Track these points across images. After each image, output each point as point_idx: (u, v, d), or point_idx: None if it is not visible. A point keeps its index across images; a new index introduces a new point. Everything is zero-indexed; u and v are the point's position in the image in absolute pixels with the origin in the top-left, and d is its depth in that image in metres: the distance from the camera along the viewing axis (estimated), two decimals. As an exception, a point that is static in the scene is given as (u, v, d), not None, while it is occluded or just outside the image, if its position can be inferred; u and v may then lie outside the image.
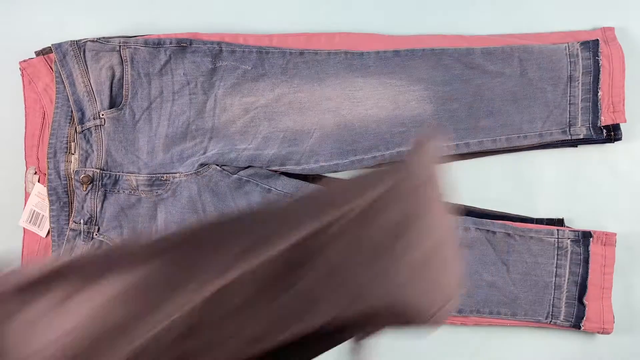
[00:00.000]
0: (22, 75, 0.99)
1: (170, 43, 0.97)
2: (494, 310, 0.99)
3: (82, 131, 0.97)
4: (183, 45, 0.97)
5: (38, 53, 0.99)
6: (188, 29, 1.01)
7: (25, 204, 1.01)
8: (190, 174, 0.96)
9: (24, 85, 1.00)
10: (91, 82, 0.96)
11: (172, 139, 0.98)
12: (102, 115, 0.97)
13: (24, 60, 0.98)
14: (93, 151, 0.97)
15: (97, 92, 0.97)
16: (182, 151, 0.98)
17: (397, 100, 0.99)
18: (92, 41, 0.96)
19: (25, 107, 1.00)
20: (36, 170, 0.99)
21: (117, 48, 0.97)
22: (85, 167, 0.97)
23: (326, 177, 1.04)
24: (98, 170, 0.97)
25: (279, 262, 0.47)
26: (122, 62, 0.97)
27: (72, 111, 0.97)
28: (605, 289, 0.99)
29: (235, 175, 0.97)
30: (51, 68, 0.97)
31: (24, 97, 1.00)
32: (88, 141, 0.97)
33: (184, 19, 1.05)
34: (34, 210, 0.98)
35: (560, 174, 1.04)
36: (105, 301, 0.45)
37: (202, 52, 0.98)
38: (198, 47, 0.98)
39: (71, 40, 0.96)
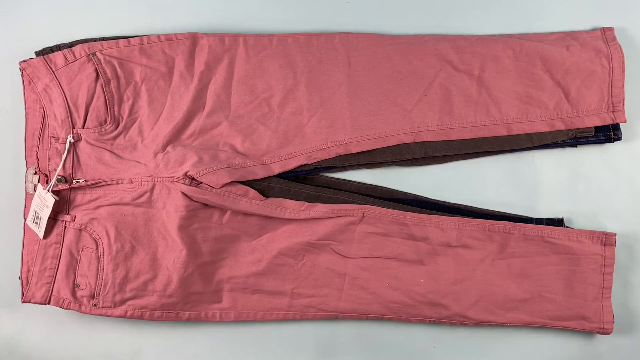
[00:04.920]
0: (22, 75, 0.99)
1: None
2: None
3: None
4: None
5: (38, 53, 0.99)
6: (188, 29, 1.01)
7: (26, 203, 1.01)
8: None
9: (24, 85, 1.00)
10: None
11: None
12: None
13: (24, 60, 0.98)
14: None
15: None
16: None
17: None
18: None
19: (25, 107, 1.00)
20: (36, 170, 0.99)
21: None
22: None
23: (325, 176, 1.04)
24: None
25: None
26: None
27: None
28: (605, 289, 0.99)
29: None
30: (51, 68, 0.97)
31: (24, 97, 1.00)
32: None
33: (184, 19, 1.05)
34: (35, 211, 0.98)
35: (560, 174, 1.04)
36: None
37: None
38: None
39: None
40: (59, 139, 0.98)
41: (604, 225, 1.03)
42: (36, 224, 0.98)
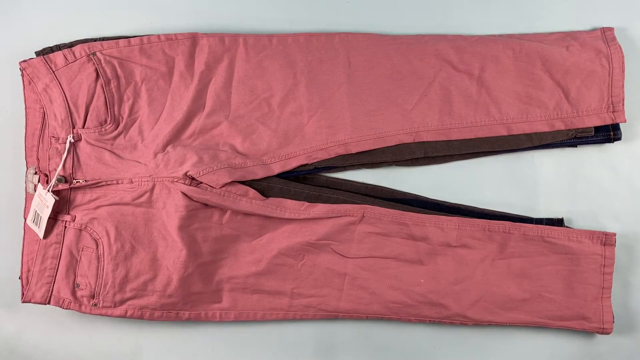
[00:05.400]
0: (22, 75, 0.99)
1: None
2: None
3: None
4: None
5: (38, 53, 0.99)
6: (188, 29, 1.01)
7: (26, 203, 1.01)
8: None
9: (24, 85, 1.00)
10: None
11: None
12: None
13: (24, 60, 0.98)
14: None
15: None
16: None
17: None
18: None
19: (26, 107, 1.00)
20: (36, 170, 0.99)
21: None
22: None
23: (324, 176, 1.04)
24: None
25: None
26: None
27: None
28: (605, 289, 0.99)
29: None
30: (51, 68, 0.97)
31: (24, 97, 1.00)
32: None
33: (184, 19, 1.05)
34: (35, 211, 0.98)
35: (560, 174, 1.04)
36: None
37: None
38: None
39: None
40: (59, 139, 0.98)
41: (604, 225, 1.03)
42: (36, 224, 0.98)
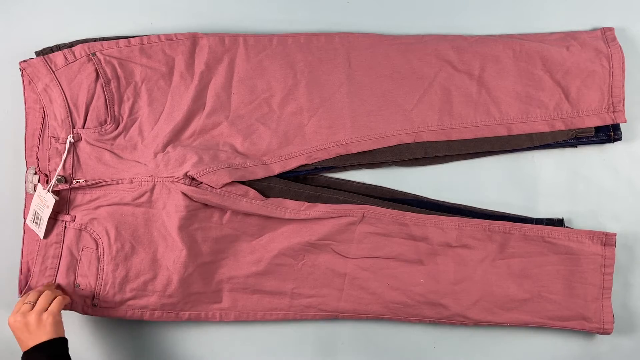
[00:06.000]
0: (22, 75, 0.99)
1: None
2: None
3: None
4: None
5: (38, 53, 0.99)
6: (188, 29, 1.01)
7: (26, 203, 1.01)
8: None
9: (24, 85, 1.00)
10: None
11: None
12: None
13: (24, 61, 0.98)
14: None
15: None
16: None
17: None
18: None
19: (26, 107, 1.00)
20: (36, 170, 0.99)
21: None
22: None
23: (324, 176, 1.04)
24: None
25: None
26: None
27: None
28: (605, 290, 0.99)
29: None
30: (51, 68, 0.97)
31: (24, 97, 1.00)
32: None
33: (184, 19, 1.05)
34: (35, 211, 0.98)
35: (560, 174, 1.04)
36: None
37: None
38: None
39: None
40: (59, 139, 0.98)
41: (604, 225, 1.03)
42: (36, 224, 0.98)
